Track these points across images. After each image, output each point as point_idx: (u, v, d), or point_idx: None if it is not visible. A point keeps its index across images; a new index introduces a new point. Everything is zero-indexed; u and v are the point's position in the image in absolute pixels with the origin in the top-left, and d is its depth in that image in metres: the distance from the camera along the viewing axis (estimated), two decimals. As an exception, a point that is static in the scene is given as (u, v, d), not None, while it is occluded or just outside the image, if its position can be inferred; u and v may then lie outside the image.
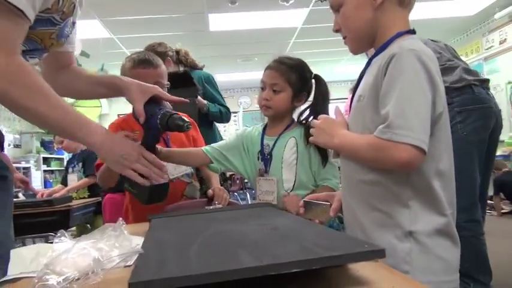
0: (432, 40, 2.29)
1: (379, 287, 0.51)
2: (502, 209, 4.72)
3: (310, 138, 1.00)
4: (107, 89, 1.16)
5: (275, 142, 1.37)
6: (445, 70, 2.07)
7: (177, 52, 2.63)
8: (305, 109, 1.39)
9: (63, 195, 2.86)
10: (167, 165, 1.43)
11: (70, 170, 3.19)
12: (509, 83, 5.67)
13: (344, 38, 0.99)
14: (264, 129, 1.43)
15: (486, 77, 6.04)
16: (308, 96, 1.39)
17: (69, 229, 3.00)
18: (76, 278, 0.61)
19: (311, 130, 1.00)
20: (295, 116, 1.43)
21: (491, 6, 5.29)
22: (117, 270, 0.63)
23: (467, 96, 2.01)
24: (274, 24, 5.32)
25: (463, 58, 7.01)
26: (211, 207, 1.19)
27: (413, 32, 0.93)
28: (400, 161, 0.78)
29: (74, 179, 3.08)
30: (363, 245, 0.53)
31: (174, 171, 1.53)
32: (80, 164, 3.12)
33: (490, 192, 4.16)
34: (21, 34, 0.84)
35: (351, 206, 0.94)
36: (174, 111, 1.06)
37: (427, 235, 0.83)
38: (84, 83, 1.17)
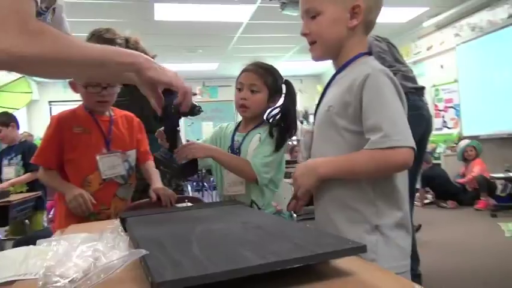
0: (376, 39, 2.43)
1: (361, 278, 0.61)
2: (426, 198, 5.23)
3: (299, 193, 1.04)
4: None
5: (244, 138, 1.48)
6: None
7: (127, 40, 2.56)
8: (274, 108, 1.50)
9: (4, 188, 2.67)
10: (103, 164, 1.55)
11: (6, 161, 2.98)
12: (434, 86, 6.23)
13: (311, 43, 1.08)
14: (238, 126, 1.56)
15: (414, 80, 6.60)
16: (279, 98, 1.50)
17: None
18: (80, 279, 0.63)
19: (295, 186, 1.04)
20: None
21: (421, 16, 5.76)
22: (120, 271, 0.66)
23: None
24: (221, 17, 5.33)
25: (395, 62, 7.37)
26: (179, 205, 1.23)
27: (370, 53, 1.08)
28: (401, 163, 0.91)
29: (11, 172, 2.89)
30: (347, 242, 0.63)
31: (109, 171, 1.56)
32: (19, 156, 2.93)
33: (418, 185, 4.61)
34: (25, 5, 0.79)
35: (323, 205, 1.06)
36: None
37: (390, 228, 0.97)
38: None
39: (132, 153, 1.69)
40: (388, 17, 5.74)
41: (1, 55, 0.73)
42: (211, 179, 7.18)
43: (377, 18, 1.07)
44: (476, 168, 4.89)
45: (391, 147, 0.89)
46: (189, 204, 1.21)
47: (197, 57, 7.36)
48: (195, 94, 1.30)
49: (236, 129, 1.55)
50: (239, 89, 1.48)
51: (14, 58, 0.74)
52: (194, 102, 1.07)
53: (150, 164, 1.73)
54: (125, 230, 1.07)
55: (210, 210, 1.10)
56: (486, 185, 4.64)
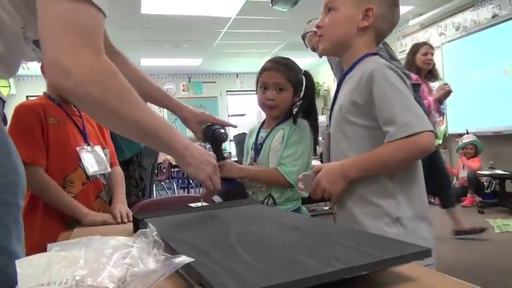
0: None
1: (425, 283, 0.57)
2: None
3: (332, 199, 1.05)
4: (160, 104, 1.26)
5: (268, 134, 1.47)
6: None
7: None
8: (295, 103, 1.49)
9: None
10: (87, 159, 1.39)
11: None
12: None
13: (320, 36, 1.13)
14: (263, 123, 1.57)
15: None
16: (301, 91, 1.49)
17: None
18: None
19: (325, 195, 1.03)
20: None
21: (406, 14, 5.81)
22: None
23: None
24: (208, 12, 5.24)
25: (383, 59, 7.45)
26: (194, 205, 1.17)
27: (376, 54, 1.12)
28: (425, 148, 0.93)
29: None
30: (410, 246, 0.59)
31: (94, 167, 1.41)
32: None
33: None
34: (102, 31, 0.77)
35: (343, 201, 1.08)
36: (218, 126, 1.31)
37: (411, 220, 1.00)
38: (139, 86, 1.08)
39: (108, 153, 1.53)
40: (375, 14, 5.78)
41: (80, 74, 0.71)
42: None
43: (390, 32, 1.14)
44: (470, 165, 4.92)
45: (411, 134, 0.91)
46: (204, 203, 1.15)
47: (182, 52, 7.23)
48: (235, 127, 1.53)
49: (261, 126, 1.56)
50: (263, 88, 1.44)
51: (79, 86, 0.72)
52: (222, 130, 1.29)
53: (118, 170, 1.56)
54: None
55: (230, 211, 1.04)
56: (475, 183, 4.72)
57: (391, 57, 2.55)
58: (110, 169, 1.47)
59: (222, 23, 5.79)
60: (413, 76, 3.13)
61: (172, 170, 6.84)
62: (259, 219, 0.90)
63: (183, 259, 0.60)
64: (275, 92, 1.42)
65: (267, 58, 5.67)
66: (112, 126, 0.87)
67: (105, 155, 1.49)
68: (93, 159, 1.41)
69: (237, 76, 9.32)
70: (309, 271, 0.51)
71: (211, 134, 1.30)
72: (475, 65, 5.14)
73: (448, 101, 5.65)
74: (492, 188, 4.72)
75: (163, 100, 1.27)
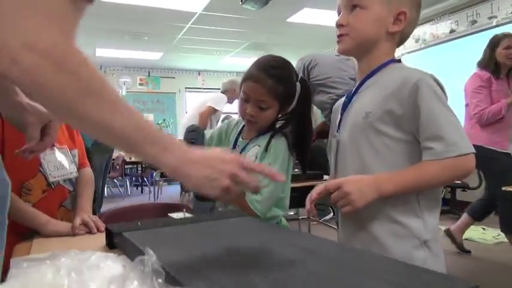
0: (337, 55, 2.52)
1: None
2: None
3: (348, 208, 0.88)
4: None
5: (244, 146, 1.31)
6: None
7: None
8: (284, 115, 1.31)
9: None
10: (48, 163, 1.21)
11: None
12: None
13: (341, 35, 1.01)
14: (242, 129, 1.37)
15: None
16: (293, 101, 1.29)
17: None
18: None
19: (342, 201, 0.89)
20: None
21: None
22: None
23: None
24: (173, 5, 5.04)
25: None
26: (175, 215, 1.05)
27: (399, 61, 1.05)
28: (470, 169, 0.88)
29: None
30: (455, 281, 0.52)
31: (56, 172, 1.22)
32: None
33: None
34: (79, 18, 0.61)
35: (361, 216, 0.96)
36: None
37: (435, 241, 0.94)
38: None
39: (76, 154, 1.35)
40: (339, 21, 5.86)
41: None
42: (152, 173, 6.84)
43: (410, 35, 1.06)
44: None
45: (461, 154, 0.86)
46: (187, 214, 1.03)
47: (141, 44, 6.92)
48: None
49: (241, 131, 1.36)
50: (245, 100, 1.25)
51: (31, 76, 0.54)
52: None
53: (87, 172, 1.38)
54: (112, 246, 0.89)
55: (222, 224, 0.94)
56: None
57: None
58: (76, 173, 1.29)
59: (186, 18, 5.60)
60: (484, 75, 2.80)
61: (125, 166, 6.54)
62: (261, 237, 0.80)
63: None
64: (256, 109, 1.23)
65: (229, 57, 5.61)
66: (74, 125, 0.67)
67: (73, 157, 1.30)
68: (56, 163, 1.22)
69: (199, 73, 9.12)
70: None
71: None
72: (432, 77, 5.37)
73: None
74: (443, 196, 4.94)
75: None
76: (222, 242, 0.78)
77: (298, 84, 1.28)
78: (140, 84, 8.80)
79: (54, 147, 1.24)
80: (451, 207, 4.71)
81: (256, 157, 1.25)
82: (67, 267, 0.64)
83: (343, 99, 1.11)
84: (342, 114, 1.06)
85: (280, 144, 1.26)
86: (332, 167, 1.09)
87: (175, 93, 9.06)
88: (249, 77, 1.23)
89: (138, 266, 0.55)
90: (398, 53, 5.96)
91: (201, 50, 7.45)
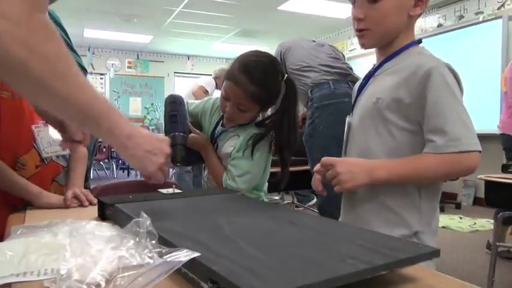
0: (314, 41, 2.50)
1: (428, 283, 0.58)
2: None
3: (337, 188, 0.89)
4: None
5: (221, 133, 1.31)
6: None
7: None
8: (269, 117, 1.30)
9: None
10: (42, 139, 1.25)
11: None
12: (365, 83, 6.57)
13: (362, 30, 0.95)
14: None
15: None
16: (276, 101, 1.24)
17: None
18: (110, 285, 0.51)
19: (334, 181, 0.89)
20: None
21: (360, 14, 5.98)
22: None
23: (325, 91, 2.18)
24: (164, -13, 5.01)
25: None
26: (164, 191, 1.10)
27: (420, 41, 0.98)
28: (471, 167, 0.84)
29: None
30: (420, 247, 0.59)
31: (49, 148, 1.25)
32: None
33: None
34: None
35: (355, 204, 0.98)
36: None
37: (429, 234, 0.93)
38: None
39: None
40: (328, 11, 5.89)
41: None
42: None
43: None
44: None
45: (463, 151, 0.83)
46: (176, 190, 1.08)
47: (131, 27, 6.85)
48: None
49: (222, 118, 1.33)
50: (224, 98, 1.21)
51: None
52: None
53: (80, 148, 1.35)
54: (104, 218, 0.94)
55: (210, 199, 0.99)
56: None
57: (336, 58, 2.50)
58: (68, 151, 1.31)
59: (177, 1, 5.56)
60: None
61: (112, 149, 6.52)
62: (247, 210, 0.86)
63: (186, 253, 0.54)
64: (236, 109, 1.19)
65: (219, 42, 5.58)
66: (40, 102, 0.69)
67: None
68: (50, 139, 1.24)
69: (188, 58, 9.07)
70: (330, 271, 0.48)
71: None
72: (418, 70, 5.46)
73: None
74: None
75: None
76: (210, 214, 0.83)
77: (283, 83, 1.22)
78: (129, 67, 8.72)
79: (46, 124, 1.25)
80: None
81: (234, 147, 1.24)
82: (65, 232, 0.69)
83: (359, 81, 1.07)
84: (357, 97, 1.03)
85: (260, 144, 1.24)
86: (343, 148, 1.06)
87: (163, 77, 9.01)
88: (231, 77, 1.17)
89: (134, 227, 0.60)
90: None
91: (191, 34, 7.40)
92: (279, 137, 1.23)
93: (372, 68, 1.02)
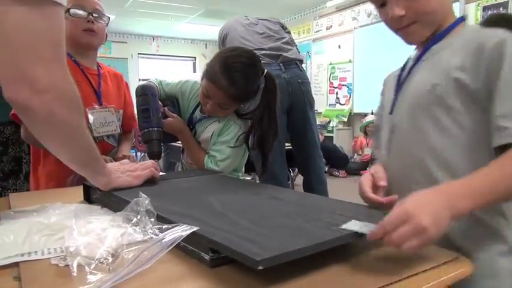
0: (248, 19, 2.48)
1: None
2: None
3: (426, 243, 0.56)
4: None
5: (200, 119, 1.34)
6: None
7: None
8: (250, 111, 1.31)
9: None
10: (94, 120, 1.36)
11: None
12: (331, 64, 6.70)
13: (408, 26, 0.81)
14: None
15: (313, 56, 6.99)
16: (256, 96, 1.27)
17: None
18: (115, 261, 0.55)
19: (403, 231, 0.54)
20: None
21: (325, -5, 6.06)
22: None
23: None
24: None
25: (295, 37, 7.72)
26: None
27: (464, 19, 0.85)
28: None
29: None
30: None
31: (101, 128, 1.35)
32: None
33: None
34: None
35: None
36: None
37: None
38: None
39: (121, 113, 1.52)
40: (295, -8, 5.92)
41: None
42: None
43: None
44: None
45: None
46: (161, 173, 1.11)
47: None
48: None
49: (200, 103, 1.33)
50: (205, 96, 1.23)
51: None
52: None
53: (130, 133, 1.57)
54: (90, 202, 0.97)
55: (196, 180, 1.04)
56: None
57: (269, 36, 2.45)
58: (120, 130, 1.44)
59: (140, -20, 5.41)
60: None
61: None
62: (231, 188, 0.91)
63: (185, 227, 0.59)
64: (216, 107, 1.22)
65: (185, 23, 5.46)
66: (64, 151, 0.79)
67: (121, 115, 1.48)
68: (102, 120, 1.36)
69: (153, 39, 8.84)
70: (318, 237, 0.55)
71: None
72: (382, 52, 5.61)
73: (355, 82, 6.16)
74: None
75: None
76: (198, 193, 0.88)
77: (263, 79, 1.24)
78: (91, 48, 8.40)
79: (104, 106, 1.41)
80: None
81: (212, 133, 1.28)
82: (67, 213, 0.72)
83: (393, 73, 0.97)
84: (396, 90, 0.87)
85: (240, 123, 1.29)
86: (384, 151, 0.88)
87: (127, 58, 8.75)
88: (211, 78, 1.19)
89: (135, 206, 0.64)
90: (351, 26, 6.12)
91: (155, 14, 7.22)
92: (259, 130, 1.25)
93: (414, 56, 0.88)
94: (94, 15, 1.35)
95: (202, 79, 1.24)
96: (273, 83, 1.24)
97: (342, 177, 5.55)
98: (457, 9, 4.67)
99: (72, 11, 1.31)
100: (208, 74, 1.21)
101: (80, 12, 1.33)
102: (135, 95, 1.30)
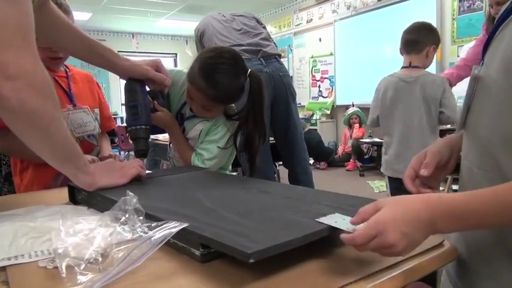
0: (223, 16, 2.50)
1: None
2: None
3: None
4: (100, 60, 1.11)
5: (189, 117, 1.32)
6: None
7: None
8: (238, 112, 1.28)
9: None
10: (72, 121, 1.36)
11: None
12: (312, 57, 6.73)
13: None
14: None
15: (295, 50, 7.00)
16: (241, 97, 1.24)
17: None
18: (104, 260, 0.55)
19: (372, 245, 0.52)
20: None
21: (304, -12, 6.07)
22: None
23: None
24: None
25: (276, 30, 7.73)
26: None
27: None
28: None
29: None
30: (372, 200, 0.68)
31: (80, 129, 1.35)
32: None
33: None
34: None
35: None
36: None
37: None
38: (74, 41, 1.06)
39: (98, 112, 1.53)
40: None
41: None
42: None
43: None
44: (356, 134, 5.50)
45: None
46: (146, 171, 1.11)
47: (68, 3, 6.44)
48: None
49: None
50: (189, 97, 1.22)
51: None
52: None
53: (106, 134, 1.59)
54: (75, 202, 0.95)
55: (181, 177, 1.03)
56: (358, 150, 5.33)
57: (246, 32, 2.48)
58: (98, 129, 1.45)
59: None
60: None
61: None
62: (219, 184, 0.91)
63: (175, 225, 0.59)
64: (201, 108, 1.22)
65: (164, 19, 5.41)
66: (42, 146, 0.77)
67: (97, 114, 1.49)
68: (80, 121, 1.37)
69: (133, 36, 8.72)
70: (307, 228, 0.56)
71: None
72: (363, 44, 5.67)
73: (337, 74, 6.21)
74: (370, 154, 5.39)
75: (109, 56, 1.13)
76: (185, 190, 0.88)
77: (247, 78, 1.20)
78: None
79: (78, 107, 1.42)
80: (376, 164, 5.15)
81: (200, 132, 1.28)
82: (52, 214, 0.71)
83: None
84: (488, 39, 0.67)
85: (228, 123, 1.28)
86: (461, 116, 0.70)
87: (107, 56, 8.63)
88: (191, 80, 1.19)
89: (122, 205, 0.63)
90: (331, 19, 6.16)
91: (134, 11, 7.11)
92: (246, 132, 1.24)
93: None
94: None
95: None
96: (257, 82, 1.21)
97: (322, 168, 5.61)
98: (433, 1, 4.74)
99: (38, 42, 1.30)
100: (189, 76, 1.20)
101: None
102: (124, 89, 1.25)
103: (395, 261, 0.56)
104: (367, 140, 5.30)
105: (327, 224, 0.57)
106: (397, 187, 2.12)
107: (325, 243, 0.59)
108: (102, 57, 1.10)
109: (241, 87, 1.20)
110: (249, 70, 1.22)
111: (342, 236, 0.54)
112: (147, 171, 1.11)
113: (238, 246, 0.49)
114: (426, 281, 0.58)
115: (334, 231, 0.56)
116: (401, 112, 2.14)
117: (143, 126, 1.16)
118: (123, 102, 1.23)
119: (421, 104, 2.08)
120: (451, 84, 2.31)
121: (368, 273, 0.53)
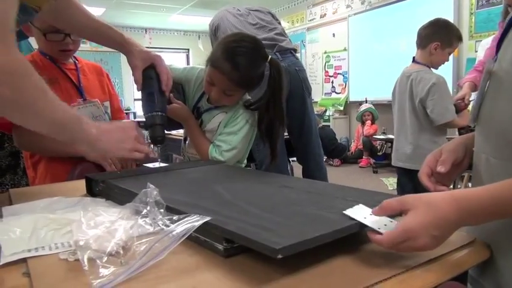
0: (238, 10, 2.46)
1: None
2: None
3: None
4: (112, 43, 1.13)
5: (207, 110, 1.31)
6: None
7: None
8: (257, 100, 1.28)
9: None
10: (84, 115, 1.34)
11: None
12: (325, 52, 6.67)
13: None
14: None
15: (308, 45, 6.94)
16: (261, 83, 1.25)
17: None
18: (126, 253, 0.54)
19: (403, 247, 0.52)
20: None
21: (318, -17, 6.00)
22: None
23: None
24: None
25: (289, 26, 7.67)
26: (151, 165, 1.11)
27: None
28: None
29: None
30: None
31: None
32: None
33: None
34: (15, 7, 0.69)
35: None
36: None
37: None
38: (89, 27, 1.09)
39: (108, 105, 1.52)
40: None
41: None
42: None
43: None
44: (368, 131, 5.44)
45: None
46: (162, 164, 1.10)
47: (82, -1, 6.48)
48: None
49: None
50: (209, 83, 1.22)
51: None
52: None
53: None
54: (93, 195, 0.95)
55: (200, 170, 1.02)
56: (370, 146, 5.27)
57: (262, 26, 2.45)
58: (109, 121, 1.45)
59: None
60: None
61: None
62: (238, 177, 0.90)
63: (197, 218, 0.58)
64: (221, 94, 1.21)
65: (177, 14, 5.40)
66: (27, 124, 0.79)
67: (105, 108, 1.47)
68: (90, 116, 1.36)
69: (146, 31, 8.74)
70: (335, 224, 0.54)
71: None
72: (377, 39, 5.59)
73: (351, 70, 6.13)
74: (384, 151, 5.33)
75: (118, 47, 1.15)
76: (204, 183, 0.86)
77: (267, 65, 1.21)
78: (82, 42, 8.29)
79: (89, 100, 1.41)
80: (390, 160, 5.08)
81: (219, 124, 1.27)
82: (72, 206, 0.70)
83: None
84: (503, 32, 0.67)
85: (247, 114, 1.27)
86: (473, 113, 0.71)
87: (120, 53, 8.67)
88: (214, 64, 1.19)
89: (143, 197, 0.62)
90: (345, 14, 6.08)
91: (147, 6, 7.12)
92: (267, 119, 1.24)
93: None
94: (72, 37, 1.36)
95: (206, 67, 1.23)
96: (277, 69, 1.22)
97: (335, 165, 5.56)
98: (451, -6, 4.64)
99: (48, 36, 1.32)
100: (211, 60, 1.20)
101: (56, 37, 1.33)
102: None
103: (427, 259, 0.53)
104: (381, 137, 5.24)
105: (356, 220, 0.55)
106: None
107: (352, 238, 0.56)
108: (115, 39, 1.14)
109: (261, 72, 1.21)
110: (269, 57, 1.23)
111: (370, 234, 0.54)
112: (163, 164, 1.10)
113: (265, 241, 0.47)
114: (458, 281, 0.55)
115: (364, 227, 0.54)
116: (397, 108, 2.21)
117: (159, 113, 1.16)
118: (136, 97, 1.23)
119: (409, 101, 2.11)
120: (477, 88, 2.21)
121: (397, 271, 0.50)
